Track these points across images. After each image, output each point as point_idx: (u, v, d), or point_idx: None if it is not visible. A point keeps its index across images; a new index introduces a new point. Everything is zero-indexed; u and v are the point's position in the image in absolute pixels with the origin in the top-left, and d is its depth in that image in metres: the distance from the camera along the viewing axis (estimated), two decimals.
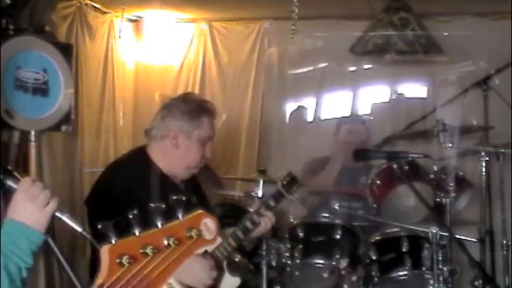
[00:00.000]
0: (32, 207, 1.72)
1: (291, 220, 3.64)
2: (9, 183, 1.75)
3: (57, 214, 1.76)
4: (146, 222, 2.65)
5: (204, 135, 2.97)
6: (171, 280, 2.67)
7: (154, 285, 1.43)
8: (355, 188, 4.03)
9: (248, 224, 2.94)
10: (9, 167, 1.80)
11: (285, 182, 3.09)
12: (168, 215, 2.76)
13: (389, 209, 3.61)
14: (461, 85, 4.48)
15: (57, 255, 1.73)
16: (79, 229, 1.76)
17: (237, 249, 2.96)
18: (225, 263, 2.86)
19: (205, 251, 2.82)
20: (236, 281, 2.89)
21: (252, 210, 3.00)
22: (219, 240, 2.86)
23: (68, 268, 1.72)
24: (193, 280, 2.67)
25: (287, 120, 5.39)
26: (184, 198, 2.92)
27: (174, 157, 2.94)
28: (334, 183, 4.17)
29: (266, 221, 2.99)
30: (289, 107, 5.41)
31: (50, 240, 1.75)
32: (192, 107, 2.97)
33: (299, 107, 5.39)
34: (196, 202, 3.07)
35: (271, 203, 3.04)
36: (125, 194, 2.74)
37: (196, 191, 3.14)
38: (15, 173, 1.77)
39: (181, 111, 2.95)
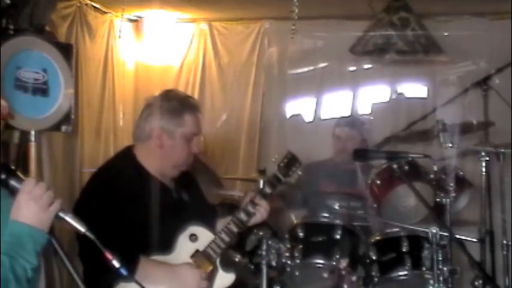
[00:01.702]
0: (35, 207, 1.72)
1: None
2: (13, 183, 1.75)
3: (61, 214, 1.76)
4: (140, 227, 2.67)
5: (188, 132, 2.90)
6: None
7: None
8: (352, 188, 4.04)
9: (242, 215, 2.88)
10: (13, 167, 1.80)
11: (282, 164, 2.99)
12: (167, 217, 2.78)
13: (389, 209, 3.60)
14: (461, 85, 4.48)
15: (61, 255, 1.74)
16: (82, 229, 1.77)
17: (231, 244, 2.93)
18: (218, 261, 2.82)
19: (197, 250, 2.80)
20: (230, 277, 2.86)
21: (246, 200, 2.94)
22: (210, 235, 2.85)
23: (71, 267, 1.73)
24: None
25: (287, 120, 5.40)
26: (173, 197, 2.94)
27: (160, 157, 2.89)
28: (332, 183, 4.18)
29: (261, 211, 2.92)
30: (290, 107, 5.42)
31: (54, 241, 1.75)
32: (173, 105, 2.90)
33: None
34: (188, 199, 3.04)
35: (267, 190, 2.96)
36: (113, 201, 2.71)
37: (188, 188, 3.08)
38: (19, 173, 1.77)
39: (163, 110, 2.88)
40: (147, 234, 2.72)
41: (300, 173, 3.04)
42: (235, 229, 2.86)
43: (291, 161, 3.01)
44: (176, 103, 2.91)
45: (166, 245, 2.77)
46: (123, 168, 2.90)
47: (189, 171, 3.07)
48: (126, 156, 2.96)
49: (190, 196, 3.06)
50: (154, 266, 2.70)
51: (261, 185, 3.47)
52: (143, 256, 2.68)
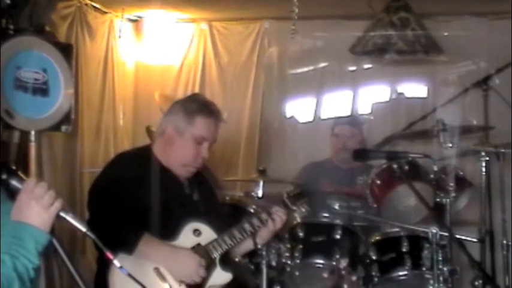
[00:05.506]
0: (37, 207, 1.72)
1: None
2: (14, 183, 1.75)
3: (62, 214, 1.77)
4: (148, 214, 2.71)
5: (197, 134, 2.95)
6: (161, 267, 2.70)
7: None
8: (350, 187, 4.04)
9: (247, 225, 2.97)
10: (14, 167, 1.80)
11: (291, 194, 3.14)
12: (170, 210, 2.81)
13: (389, 209, 3.60)
14: (461, 85, 4.48)
15: (61, 255, 1.74)
16: (83, 229, 1.77)
17: (232, 248, 2.96)
18: (218, 259, 2.86)
19: (198, 244, 2.84)
20: (227, 276, 2.89)
21: (256, 211, 3.07)
22: (213, 234, 2.90)
23: (71, 267, 1.73)
24: (181, 272, 2.72)
25: (287, 120, 5.40)
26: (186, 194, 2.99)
27: (170, 153, 2.97)
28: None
29: (280, 215, 3.03)
30: (290, 107, 5.42)
31: (54, 240, 1.75)
32: (190, 105, 2.99)
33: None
34: (200, 198, 3.08)
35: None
36: (127, 185, 2.77)
37: (201, 188, 3.13)
38: (20, 173, 1.78)
39: (179, 109, 2.99)
40: (153, 217, 2.78)
41: (305, 208, 3.20)
42: (238, 235, 2.94)
43: (299, 195, 3.17)
44: (194, 105, 3.00)
45: (170, 232, 2.82)
46: (139, 157, 3.00)
47: (202, 174, 3.15)
48: (144, 149, 3.08)
49: (202, 196, 3.11)
50: (157, 243, 2.75)
51: (260, 185, 3.54)
52: (148, 233, 2.72)
